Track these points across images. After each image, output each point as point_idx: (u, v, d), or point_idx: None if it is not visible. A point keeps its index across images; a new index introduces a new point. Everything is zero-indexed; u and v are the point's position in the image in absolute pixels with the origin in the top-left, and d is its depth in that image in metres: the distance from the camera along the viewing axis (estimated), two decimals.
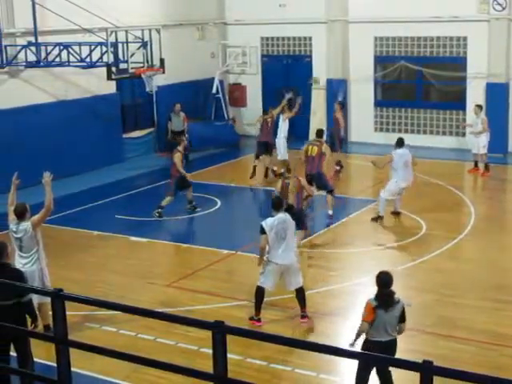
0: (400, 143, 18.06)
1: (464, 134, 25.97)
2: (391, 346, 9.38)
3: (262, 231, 12.29)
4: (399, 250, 16.12)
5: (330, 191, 17.93)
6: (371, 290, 14.12)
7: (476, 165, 22.70)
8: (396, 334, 9.45)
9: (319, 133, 18.72)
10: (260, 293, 12.50)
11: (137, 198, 21.01)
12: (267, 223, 12.29)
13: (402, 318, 9.43)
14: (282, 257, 12.27)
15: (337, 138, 22.51)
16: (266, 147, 22.17)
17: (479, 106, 22.59)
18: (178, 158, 18.72)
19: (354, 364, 9.47)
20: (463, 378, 5.64)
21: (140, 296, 13.84)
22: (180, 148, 19.02)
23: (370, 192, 20.83)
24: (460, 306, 13.25)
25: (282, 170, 18.65)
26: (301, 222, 15.30)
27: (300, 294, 12.57)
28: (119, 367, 10.34)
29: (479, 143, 22.32)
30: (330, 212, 17.91)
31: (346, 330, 12.54)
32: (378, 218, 17.87)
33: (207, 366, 7.03)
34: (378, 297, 9.35)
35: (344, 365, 10.79)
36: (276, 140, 22.64)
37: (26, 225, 11.78)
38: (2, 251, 9.96)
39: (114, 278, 15.14)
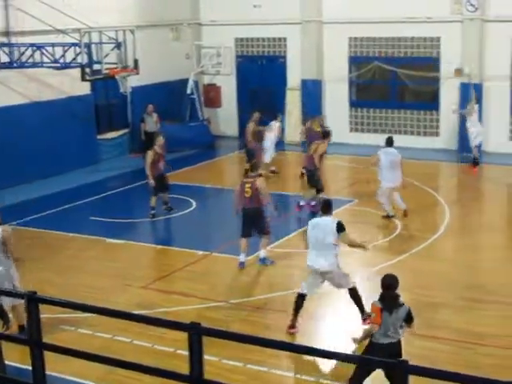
0: (388, 142, 18.00)
1: (438, 134, 26.13)
2: (396, 347, 9.34)
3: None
4: (375, 250, 16.13)
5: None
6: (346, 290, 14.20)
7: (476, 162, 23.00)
8: (399, 335, 9.38)
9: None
10: (299, 300, 12.25)
11: (112, 200, 20.92)
12: (312, 222, 12.17)
13: (410, 320, 9.40)
14: (317, 262, 12.09)
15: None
16: None
17: (472, 108, 22.91)
18: (149, 156, 18.51)
19: (329, 364, 9.49)
20: (439, 377, 5.66)
21: (116, 298, 13.78)
22: (156, 147, 18.72)
23: (345, 192, 20.89)
24: (435, 305, 13.30)
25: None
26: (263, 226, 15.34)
27: (352, 294, 12.38)
28: (95, 369, 10.30)
29: (470, 134, 22.79)
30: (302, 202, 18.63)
31: (322, 329, 12.58)
32: (388, 217, 18.08)
33: (183, 368, 7.01)
34: (382, 299, 9.30)
35: (320, 365, 10.79)
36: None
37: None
38: None
39: (89, 279, 15.06)
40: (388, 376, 9.06)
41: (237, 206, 15.41)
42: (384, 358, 8.57)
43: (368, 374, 9.38)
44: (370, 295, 13.73)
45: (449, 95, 25.54)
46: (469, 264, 15.45)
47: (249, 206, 15.23)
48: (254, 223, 15.37)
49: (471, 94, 22.71)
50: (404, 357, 5.83)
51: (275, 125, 22.97)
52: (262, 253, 15.55)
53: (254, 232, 15.48)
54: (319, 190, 18.52)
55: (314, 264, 12.09)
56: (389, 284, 9.36)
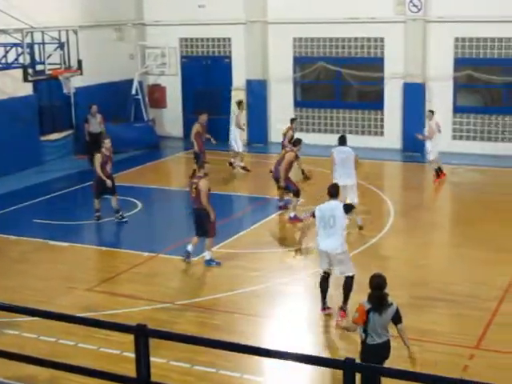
0: (341, 141, 17.89)
1: (382, 134, 26.36)
2: (387, 347, 9.30)
3: (314, 214, 12.46)
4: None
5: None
6: (294, 290, 14.27)
7: (440, 171, 22.13)
8: (388, 334, 9.35)
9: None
10: (322, 278, 12.70)
11: (55, 202, 20.65)
12: (320, 207, 12.48)
13: (397, 319, 9.34)
14: (326, 244, 12.42)
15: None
16: None
17: (432, 112, 22.19)
18: (97, 159, 18.20)
19: (276, 364, 9.46)
20: (386, 374, 5.69)
21: (60, 301, 13.61)
22: (103, 149, 18.35)
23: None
24: None
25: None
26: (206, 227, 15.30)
27: (344, 283, 12.57)
28: (40, 374, 10.16)
29: (428, 148, 21.87)
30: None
31: (268, 330, 12.58)
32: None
33: (130, 370, 6.94)
34: (370, 299, 9.23)
35: (267, 365, 10.79)
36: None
37: None
38: None
39: (33, 282, 14.84)
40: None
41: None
42: (375, 359, 8.63)
43: None
44: (317, 293, 13.83)
45: (393, 95, 25.79)
46: (414, 262, 15.59)
47: (195, 206, 15.40)
48: (198, 223, 15.39)
49: (429, 118, 22.30)
50: (352, 355, 5.85)
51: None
52: (207, 255, 15.48)
53: (201, 233, 15.46)
54: (295, 194, 18.19)
55: (323, 246, 12.43)
56: (377, 283, 9.31)
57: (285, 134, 21.85)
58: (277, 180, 18.57)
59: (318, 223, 12.45)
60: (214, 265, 15.41)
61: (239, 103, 24.47)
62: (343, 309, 12.51)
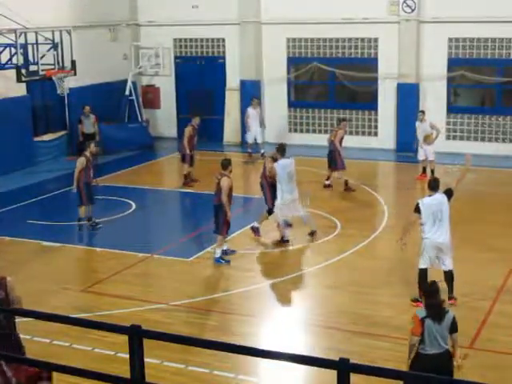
0: (281, 150, 16.68)
1: (376, 134, 26.40)
2: (444, 358, 9.10)
3: (417, 210, 12.79)
4: (315, 249, 16.23)
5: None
6: (288, 290, 14.28)
7: (424, 171, 22.11)
8: (448, 345, 9.18)
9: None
10: (423, 275, 12.88)
11: (49, 203, 20.62)
12: (424, 202, 12.77)
13: (453, 329, 9.19)
14: (437, 236, 12.76)
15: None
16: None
17: (423, 112, 22.24)
18: (80, 163, 17.52)
19: (271, 364, 9.47)
20: (379, 374, 5.68)
21: (54, 302, 13.60)
22: (87, 153, 17.74)
23: None
24: (375, 303, 13.42)
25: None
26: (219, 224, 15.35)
27: (449, 276, 12.95)
28: None
29: (429, 150, 21.62)
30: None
31: (263, 330, 12.59)
32: (312, 233, 16.91)
33: (124, 371, 6.93)
34: (427, 307, 9.11)
35: (262, 365, 10.79)
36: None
37: None
38: None
39: (26, 283, 14.78)
40: None
41: None
42: (432, 370, 8.37)
43: None
44: (316, 294, 13.85)
45: (387, 95, 25.83)
46: (407, 262, 15.58)
47: (214, 202, 15.51)
48: (215, 218, 15.53)
49: (421, 120, 22.10)
50: (344, 355, 5.84)
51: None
52: (217, 252, 15.50)
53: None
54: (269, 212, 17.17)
55: (435, 239, 12.81)
56: (433, 292, 9.18)
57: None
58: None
59: (425, 218, 12.75)
60: (223, 263, 15.45)
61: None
62: (454, 297, 13.02)
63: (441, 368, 8.82)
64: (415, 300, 12.99)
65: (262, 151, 25.31)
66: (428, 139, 21.65)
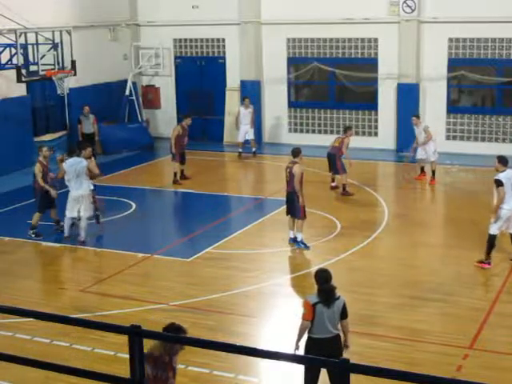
0: (72, 152, 17.19)
1: (376, 134, 26.39)
2: (334, 342, 9.39)
3: (500, 184, 14.42)
4: (314, 249, 16.22)
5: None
6: (288, 290, 14.30)
7: (422, 171, 22.05)
8: (338, 330, 9.45)
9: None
10: (492, 240, 14.73)
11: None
12: (500, 176, 14.46)
13: (343, 315, 9.48)
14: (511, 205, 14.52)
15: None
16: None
17: (418, 116, 22.19)
18: (37, 169, 16.98)
19: (272, 364, 9.48)
20: (379, 375, 5.68)
21: (54, 302, 13.61)
22: (41, 158, 17.11)
23: (284, 193, 20.91)
24: (375, 303, 13.43)
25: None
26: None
27: None
28: (34, 375, 10.15)
29: (428, 150, 21.49)
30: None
31: (263, 330, 12.59)
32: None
33: (124, 371, 6.93)
34: (319, 293, 9.38)
35: (262, 365, 10.80)
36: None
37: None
38: None
39: (26, 284, 14.83)
40: (330, 376, 9.11)
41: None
42: (322, 354, 8.63)
43: (317, 377, 9.35)
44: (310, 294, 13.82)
45: (387, 96, 25.82)
46: (407, 262, 15.62)
47: (287, 189, 16.17)
48: (289, 205, 16.16)
49: (416, 124, 22.01)
50: (344, 355, 5.84)
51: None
52: (299, 236, 16.09)
53: (290, 214, 16.21)
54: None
55: (509, 207, 14.51)
56: (325, 277, 9.53)
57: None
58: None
59: (506, 190, 14.40)
60: (303, 247, 16.02)
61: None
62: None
63: (330, 352, 9.03)
64: (480, 262, 14.80)
65: (254, 150, 25.39)
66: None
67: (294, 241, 16.29)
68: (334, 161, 20.48)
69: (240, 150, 25.57)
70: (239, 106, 25.96)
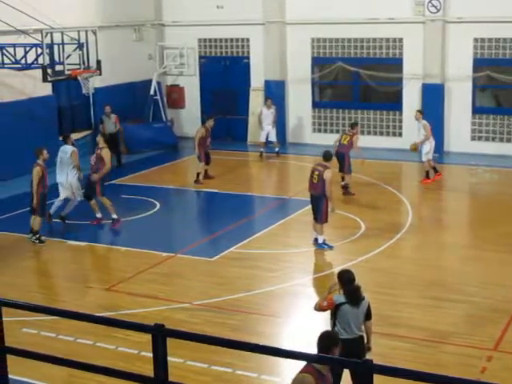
0: (63, 139, 18.77)
1: (401, 134, 26.29)
2: (357, 343, 9.43)
3: None
4: (339, 249, 16.21)
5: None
6: (312, 291, 14.29)
7: (436, 171, 21.81)
8: (362, 332, 9.48)
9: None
10: None
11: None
12: None
13: (368, 316, 9.53)
14: None
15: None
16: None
17: (420, 111, 22.08)
18: (36, 172, 16.58)
19: (294, 364, 9.48)
20: (402, 376, 5.69)
21: (79, 300, 13.69)
22: (40, 161, 16.72)
23: (306, 193, 20.91)
24: (399, 304, 13.39)
25: None
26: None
27: None
28: (58, 373, 10.24)
29: (423, 149, 21.47)
30: None
31: (286, 330, 12.60)
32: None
33: (148, 370, 6.98)
34: (346, 294, 9.40)
35: (285, 365, 10.80)
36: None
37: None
38: None
39: (52, 282, 14.95)
40: (353, 377, 9.11)
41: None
42: (345, 355, 8.57)
43: (339, 376, 9.34)
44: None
45: (411, 96, 25.72)
46: (431, 263, 15.56)
47: (313, 192, 16.06)
48: (314, 208, 16.07)
49: (418, 119, 21.87)
50: (367, 356, 5.85)
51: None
52: (320, 238, 16.11)
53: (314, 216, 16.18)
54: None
55: None
56: (349, 278, 9.58)
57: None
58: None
59: None
60: (326, 248, 16.04)
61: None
62: None
63: (353, 353, 8.94)
64: None
65: (277, 149, 25.41)
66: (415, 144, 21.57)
67: (316, 241, 16.32)
68: (343, 159, 20.29)
69: (261, 150, 25.59)
70: (262, 107, 25.96)
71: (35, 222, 16.90)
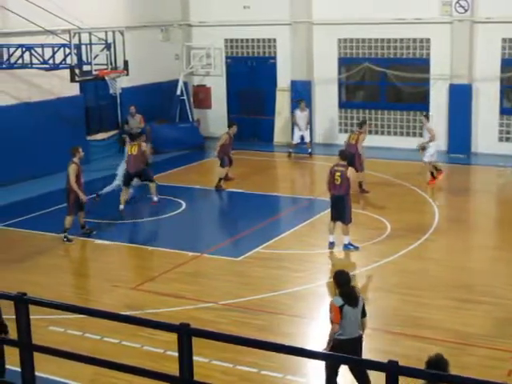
0: None
1: None
2: (359, 342, 9.54)
3: None
4: (365, 250, 16.17)
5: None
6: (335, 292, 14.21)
7: (439, 171, 21.68)
8: (361, 331, 9.59)
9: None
10: None
11: (101, 201, 20.80)
12: None
13: (363, 313, 9.61)
14: None
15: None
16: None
17: (426, 116, 21.96)
18: (72, 169, 16.88)
19: (319, 365, 9.49)
20: (427, 377, 5.67)
21: (105, 299, 13.76)
22: (75, 159, 17.02)
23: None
24: (425, 305, 13.33)
25: None
26: None
27: None
28: (84, 371, 10.31)
29: (427, 151, 21.23)
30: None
31: (311, 331, 12.59)
32: None
33: (173, 369, 7.00)
34: (343, 295, 9.46)
35: (310, 366, 10.81)
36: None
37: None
38: None
39: (78, 281, 15.04)
40: (355, 375, 9.24)
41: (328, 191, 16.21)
42: (348, 354, 8.66)
43: (337, 372, 9.54)
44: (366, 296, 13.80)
45: (439, 96, 25.60)
46: (458, 264, 15.49)
47: (335, 192, 15.96)
48: (337, 209, 15.98)
49: (424, 123, 21.76)
50: (392, 357, 5.85)
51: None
52: (345, 239, 16.06)
53: (337, 217, 16.10)
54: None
55: None
56: (346, 279, 9.64)
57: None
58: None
59: None
60: (352, 248, 16.04)
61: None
62: None
63: (353, 352, 9.09)
64: None
65: (309, 151, 25.40)
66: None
67: (333, 245, 16.17)
68: (353, 159, 20.06)
69: (290, 151, 25.59)
70: (295, 109, 25.93)
71: (67, 220, 17.07)
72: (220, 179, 21.94)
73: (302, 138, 25.70)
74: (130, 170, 19.45)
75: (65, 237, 17.06)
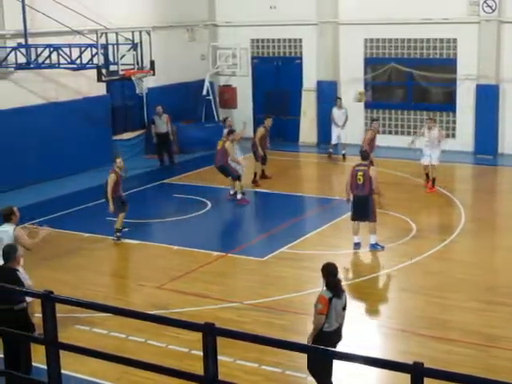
0: None
1: (454, 136, 26.02)
2: (339, 333, 9.75)
3: None
4: (390, 251, 16.11)
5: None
6: (361, 292, 14.21)
7: (429, 180, 20.98)
8: (343, 320, 9.79)
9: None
10: None
11: (127, 200, 20.90)
12: None
13: (345, 305, 9.79)
14: None
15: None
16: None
17: (433, 119, 21.73)
18: (111, 179, 17.08)
19: (342, 365, 9.46)
20: (453, 380, 5.64)
21: (130, 298, 13.83)
22: (116, 168, 17.28)
23: None
24: (451, 307, 13.27)
25: None
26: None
27: None
28: (110, 369, 10.36)
29: (435, 154, 20.76)
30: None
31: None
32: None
33: (198, 368, 7.02)
34: (331, 286, 9.62)
35: (334, 367, 10.75)
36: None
37: (10, 228, 11.69)
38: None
39: (104, 279, 15.11)
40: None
41: (348, 192, 16.19)
42: (332, 345, 9.26)
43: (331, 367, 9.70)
44: (391, 297, 13.79)
45: (465, 97, 25.44)
46: (484, 266, 15.39)
47: (359, 192, 15.92)
48: (360, 209, 15.99)
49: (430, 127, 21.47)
50: (418, 359, 5.82)
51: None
52: (372, 239, 16.06)
53: (361, 217, 16.11)
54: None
55: None
56: (334, 271, 9.79)
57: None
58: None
59: None
60: (378, 248, 16.04)
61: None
62: None
63: (335, 343, 9.56)
64: None
65: (343, 152, 25.27)
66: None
67: (359, 246, 16.17)
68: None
69: (331, 151, 25.52)
70: (333, 107, 25.81)
71: (118, 220, 17.27)
72: (255, 174, 22.05)
73: (339, 137, 25.56)
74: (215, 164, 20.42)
75: (116, 236, 17.23)
